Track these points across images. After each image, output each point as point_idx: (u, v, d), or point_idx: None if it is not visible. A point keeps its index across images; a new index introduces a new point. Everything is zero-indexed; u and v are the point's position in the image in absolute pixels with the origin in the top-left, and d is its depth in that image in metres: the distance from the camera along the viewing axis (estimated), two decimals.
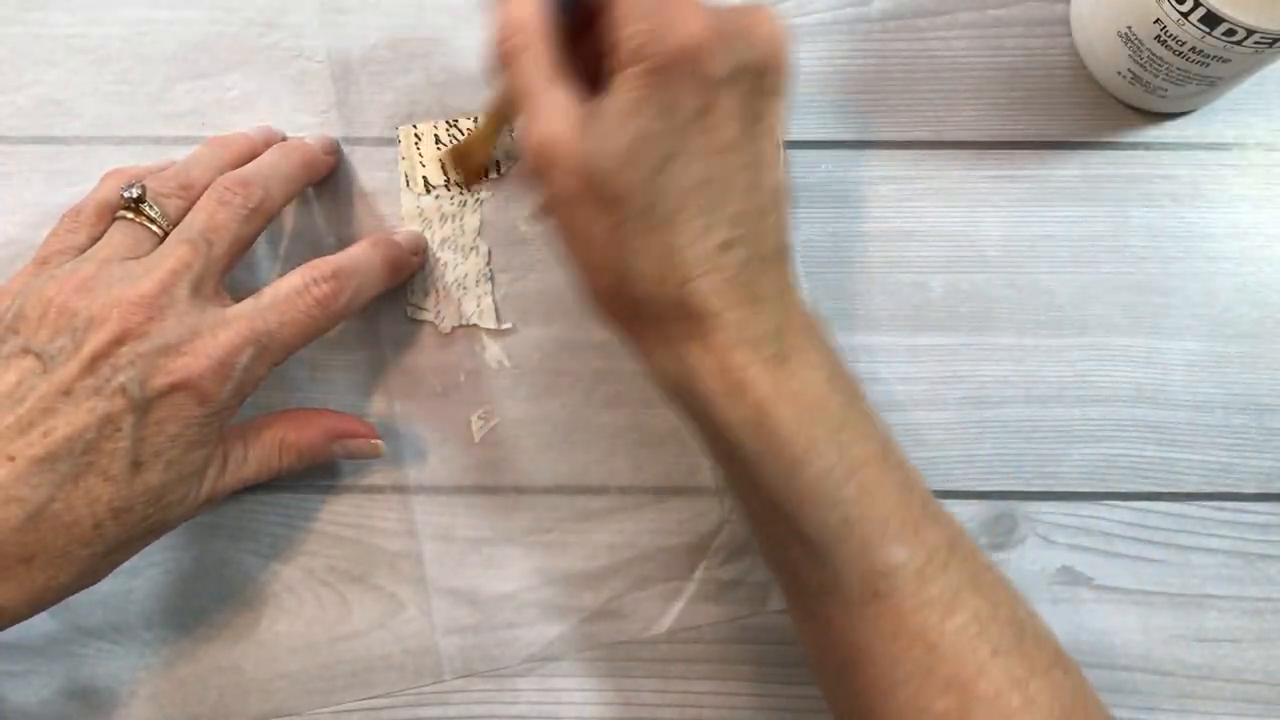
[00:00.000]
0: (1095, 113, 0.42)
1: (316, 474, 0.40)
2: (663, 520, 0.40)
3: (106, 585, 0.39)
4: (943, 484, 0.40)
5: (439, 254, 0.41)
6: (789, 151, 0.42)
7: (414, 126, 0.42)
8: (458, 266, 0.41)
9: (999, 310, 0.41)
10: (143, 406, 0.32)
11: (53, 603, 0.33)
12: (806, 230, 0.42)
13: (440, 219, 0.42)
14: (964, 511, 0.40)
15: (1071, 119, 0.42)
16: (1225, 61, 0.37)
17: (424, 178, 0.42)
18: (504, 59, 0.31)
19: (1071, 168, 0.42)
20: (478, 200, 0.42)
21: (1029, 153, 0.42)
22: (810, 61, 0.43)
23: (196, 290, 0.34)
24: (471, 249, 0.41)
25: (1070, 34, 0.43)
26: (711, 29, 0.29)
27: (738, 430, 0.30)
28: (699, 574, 0.40)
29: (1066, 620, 0.40)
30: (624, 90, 0.29)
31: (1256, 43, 0.35)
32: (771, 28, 0.30)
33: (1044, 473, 0.41)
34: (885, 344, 0.41)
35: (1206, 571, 0.40)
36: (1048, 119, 0.42)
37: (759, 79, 0.30)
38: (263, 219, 0.36)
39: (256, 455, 0.36)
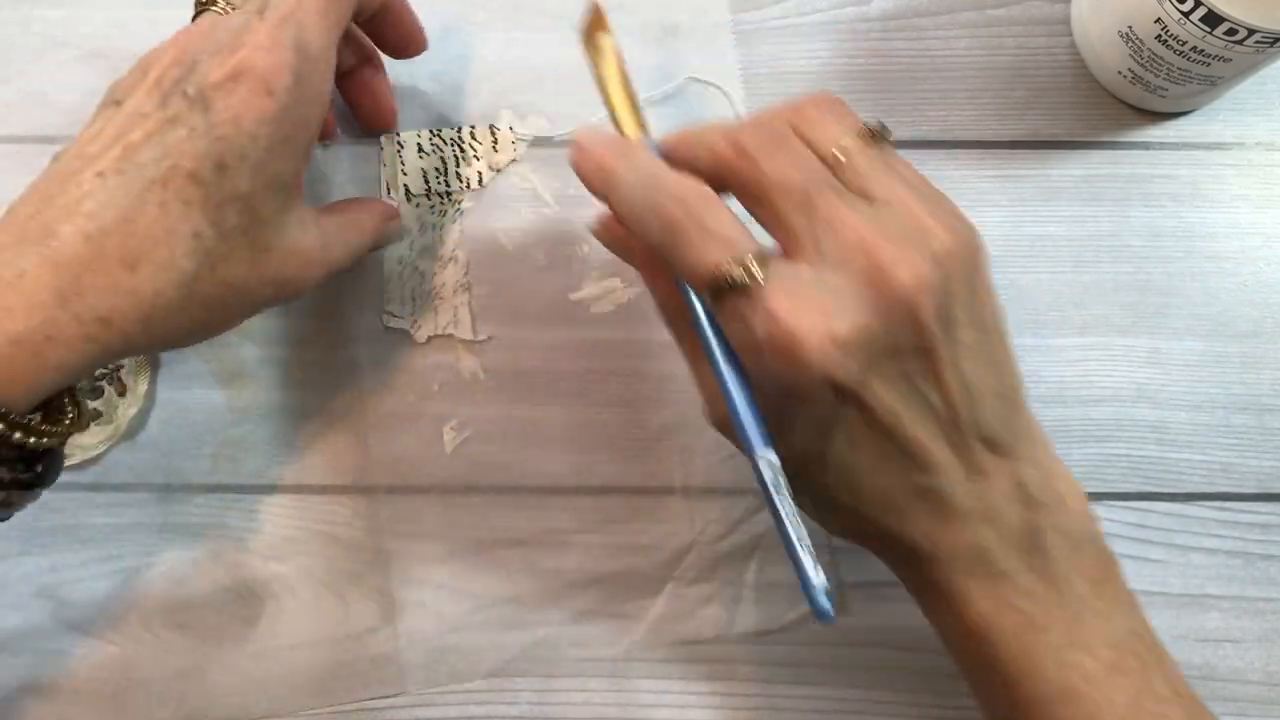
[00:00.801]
0: (1096, 112, 0.42)
1: (294, 475, 0.40)
2: (644, 524, 0.40)
3: (105, 584, 0.39)
4: None
5: (417, 263, 0.41)
6: None
7: (396, 135, 0.42)
8: (435, 275, 0.41)
9: None
10: (204, 101, 0.32)
11: (162, 326, 0.32)
12: None
13: (420, 228, 0.41)
14: None
15: (1072, 119, 0.42)
16: (1226, 61, 0.37)
17: (405, 186, 0.41)
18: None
19: (1072, 167, 0.42)
20: (458, 210, 0.42)
21: (1029, 152, 0.42)
22: (810, 61, 0.43)
23: (299, 29, 0.34)
24: (450, 259, 0.41)
25: (1070, 34, 0.43)
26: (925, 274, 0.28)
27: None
28: (682, 576, 0.40)
29: None
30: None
31: (1257, 42, 0.35)
32: (949, 244, 0.29)
33: None
34: None
35: (1206, 571, 0.40)
36: (1048, 119, 0.42)
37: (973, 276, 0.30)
38: None
39: (345, 226, 0.36)
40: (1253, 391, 0.41)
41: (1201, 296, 0.41)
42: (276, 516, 0.40)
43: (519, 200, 0.42)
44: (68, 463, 0.40)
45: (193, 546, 0.40)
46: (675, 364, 0.41)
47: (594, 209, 0.42)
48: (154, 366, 0.41)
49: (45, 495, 0.40)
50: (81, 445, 0.40)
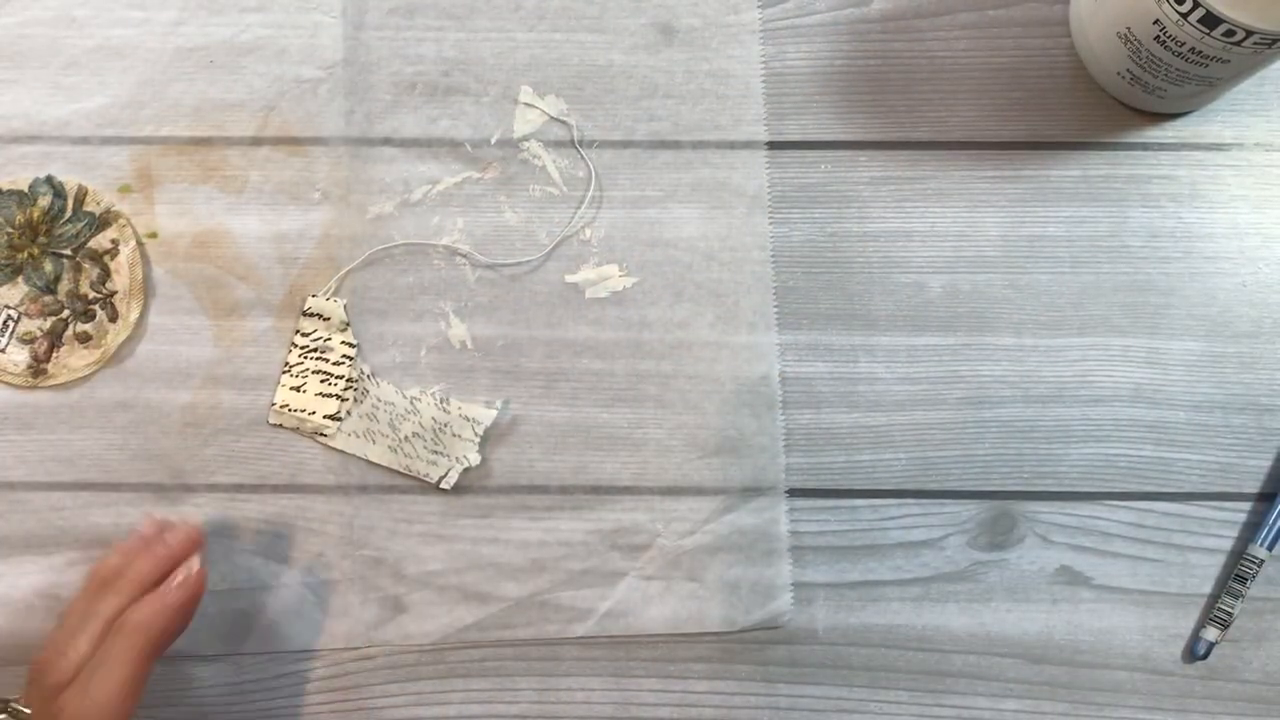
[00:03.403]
0: (1094, 113, 0.42)
1: (291, 476, 0.40)
2: (601, 521, 0.40)
3: None
4: (942, 484, 0.41)
5: (396, 431, 0.40)
6: (789, 152, 0.42)
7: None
8: (410, 419, 0.41)
9: (998, 310, 0.41)
10: None
11: None
12: (806, 230, 0.42)
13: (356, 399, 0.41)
14: (963, 511, 0.40)
15: (1071, 119, 0.42)
16: (1224, 62, 0.37)
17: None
18: None
19: (1071, 168, 0.42)
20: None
21: (1029, 153, 0.42)
22: (810, 61, 0.43)
23: None
24: (409, 408, 0.41)
25: (1070, 35, 0.43)
26: None
27: None
28: (631, 575, 0.40)
29: (1066, 620, 0.40)
30: None
31: (1255, 43, 0.35)
32: None
33: (1043, 472, 0.41)
34: (885, 344, 0.41)
35: (1206, 571, 0.40)
36: (1047, 119, 0.42)
37: None
38: None
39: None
40: (1251, 392, 0.41)
41: (1200, 297, 0.41)
42: (275, 516, 0.40)
43: (529, 177, 0.42)
44: (53, 383, 0.40)
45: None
46: (654, 363, 0.41)
47: (604, 196, 0.42)
48: (147, 295, 0.41)
49: (44, 496, 0.40)
50: (69, 367, 0.41)
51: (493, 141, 0.42)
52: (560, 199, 0.42)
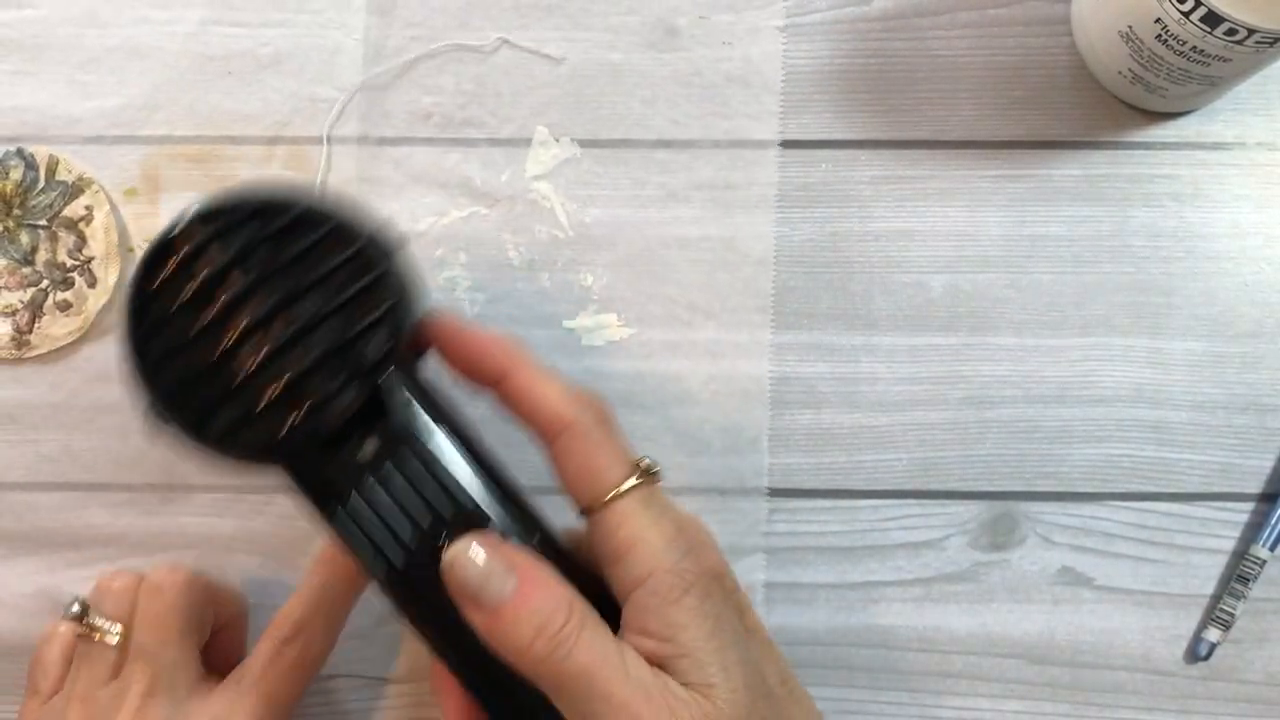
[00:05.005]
0: (1096, 112, 0.42)
1: None
2: None
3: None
4: (943, 484, 0.40)
5: None
6: (790, 151, 0.42)
7: None
8: None
9: (999, 310, 0.41)
10: None
11: None
12: (806, 230, 0.42)
13: None
14: (964, 512, 0.40)
15: (1072, 119, 0.42)
16: (1226, 61, 0.37)
17: None
18: (558, 649, 0.27)
19: (1072, 167, 0.42)
20: None
21: (1029, 153, 0.42)
22: (810, 61, 0.43)
23: (171, 696, 0.34)
24: None
25: (1071, 33, 0.43)
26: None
27: None
28: None
29: (1067, 621, 0.40)
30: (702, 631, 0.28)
31: (1258, 42, 0.35)
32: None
33: (1045, 473, 0.41)
34: (885, 344, 0.41)
35: (1208, 572, 0.40)
36: (1048, 119, 0.42)
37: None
38: (199, 591, 0.36)
39: None
40: (1253, 392, 0.41)
41: (1202, 297, 0.41)
42: (279, 518, 0.40)
43: (536, 218, 0.42)
44: (36, 352, 0.41)
45: (194, 546, 0.40)
46: (648, 416, 0.41)
47: (609, 244, 0.42)
48: (124, 260, 0.41)
49: (42, 496, 0.40)
50: (50, 336, 0.41)
51: (503, 179, 0.42)
52: (566, 243, 0.42)
